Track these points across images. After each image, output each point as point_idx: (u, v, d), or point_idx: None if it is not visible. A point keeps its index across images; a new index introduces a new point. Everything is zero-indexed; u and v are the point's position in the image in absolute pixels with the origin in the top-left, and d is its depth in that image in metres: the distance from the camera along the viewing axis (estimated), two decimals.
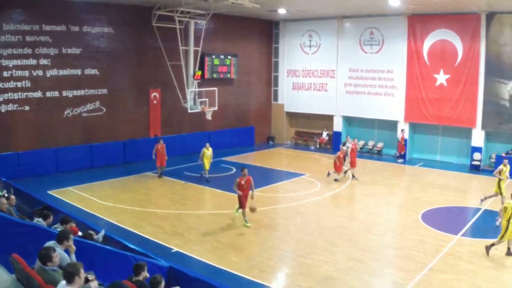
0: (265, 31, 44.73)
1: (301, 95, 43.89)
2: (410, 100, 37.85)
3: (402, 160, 37.28)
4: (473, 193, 29.65)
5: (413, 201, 26.53)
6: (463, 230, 21.62)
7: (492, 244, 18.44)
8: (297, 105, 44.26)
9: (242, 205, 21.61)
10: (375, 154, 40.18)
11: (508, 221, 17.93)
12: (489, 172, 33.65)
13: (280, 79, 45.32)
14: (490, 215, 23.76)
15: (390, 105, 38.68)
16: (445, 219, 23.83)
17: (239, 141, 41.23)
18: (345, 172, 31.38)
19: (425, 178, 31.69)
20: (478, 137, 35.54)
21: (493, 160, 35.14)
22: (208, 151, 29.30)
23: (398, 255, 18.87)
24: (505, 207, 18.22)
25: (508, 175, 24.47)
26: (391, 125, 39.20)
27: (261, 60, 44.77)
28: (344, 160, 31.22)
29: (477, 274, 16.86)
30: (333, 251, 18.74)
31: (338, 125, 42.08)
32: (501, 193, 23.49)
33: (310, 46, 42.99)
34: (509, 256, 18.12)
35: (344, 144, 32.32)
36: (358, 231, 21.08)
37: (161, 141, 30.07)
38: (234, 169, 32.02)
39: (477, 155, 35.08)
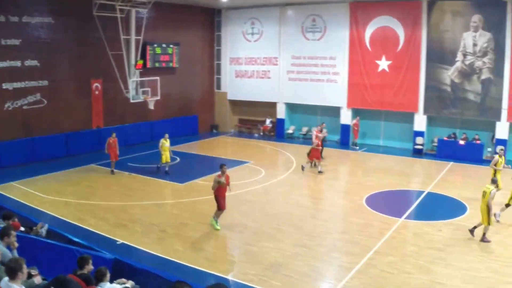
0: (208, 19, 44.31)
1: (244, 83, 43.72)
2: (352, 86, 38.16)
3: (358, 148, 37.36)
4: (416, 176, 30.13)
5: (357, 186, 26.80)
6: (407, 213, 21.94)
7: (475, 227, 18.93)
8: (240, 93, 44.05)
9: (221, 206, 19.61)
10: None
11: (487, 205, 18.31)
12: (431, 156, 34.31)
13: (222, 67, 45.01)
14: (433, 197, 24.26)
15: (333, 92, 38.92)
16: (389, 202, 24.14)
17: (182, 130, 40.70)
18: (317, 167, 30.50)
19: (368, 163, 32.02)
20: (420, 122, 36.22)
21: (435, 144, 36.00)
22: (166, 142, 28.37)
23: (344, 239, 18.93)
24: (484, 191, 18.62)
25: (506, 165, 24.27)
26: (334, 112, 39.44)
27: (204, 48, 44.37)
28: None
29: (421, 255, 17.14)
30: (279, 237, 18.70)
31: (281, 112, 42.11)
32: (497, 185, 23.00)
33: (252, 34, 42.81)
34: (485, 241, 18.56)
35: (321, 131, 32.09)
36: (303, 217, 21.09)
37: (114, 135, 29.00)
38: (178, 159, 31.66)
39: (419, 140, 35.67)
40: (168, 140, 28.39)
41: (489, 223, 18.41)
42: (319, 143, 29.66)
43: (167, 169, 28.55)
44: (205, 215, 20.96)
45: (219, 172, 19.40)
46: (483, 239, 18.47)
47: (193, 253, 17.16)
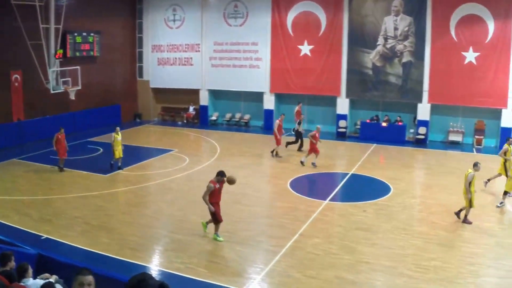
0: (129, 7, 43.27)
1: (166, 71, 43.00)
2: (275, 72, 38.22)
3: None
4: (340, 159, 30.39)
5: (281, 170, 26.80)
6: (332, 195, 22.07)
7: (460, 210, 19.10)
8: (162, 81, 43.29)
9: (218, 219, 17.09)
10: (242, 126, 40.22)
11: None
12: (354, 138, 34.70)
13: (144, 55, 44.12)
14: (357, 179, 24.51)
15: (256, 77, 38.89)
16: (313, 185, 24.35)
17: (105, 121, 39.58)
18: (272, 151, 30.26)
19: (293, 147, 31.94)
20: (343, 105, 36.68)
21: (358, 127, 36.54)
22: (118, 136, 26.70)
23: (269, 223, 18.90)
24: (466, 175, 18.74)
25: None
26: (257, 97, 39.41)
27: (125, 36, 43.40)
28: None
29: (346, 236, 17.35)
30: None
31: (204, 99, 41.72)
32: (506, 175, 22.52)
33: (174, 21, 42.17)
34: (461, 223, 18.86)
35: (299, 123, 31.75)
36: (228, 203, 20.71)
37: (62, 130, 27.31)
38: (101, 150, 30.87)
39: (342, 123, 36.07)
40: (119, 134, 26.87)
41: (470, 206, 18.67)
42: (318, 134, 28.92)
43: (120, 164, 27.04)
44: (129, 205, 20.65)
45: (215, 179, 17.06)
46: (465, 220, 18.70)
47: (118, 245, 16.68)
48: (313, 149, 27.61)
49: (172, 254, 16.00)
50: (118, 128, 27.04)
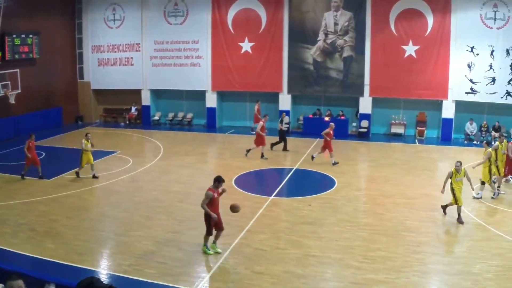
0: (68, 7, 42.24)
1: (107, 71, 42.13)
2: (216, 69, 38.03)
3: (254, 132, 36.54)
4: (283, 155, 30.23)
5: (225, 168, 26.57)
6: (277, 191, 22.13)
7: (446, 206, 19.07)
8: (104, 82, 42.37)
9: (219, 227, 15.81)
10: (185, 125, 39.88)
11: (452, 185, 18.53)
12: (297, 134, 34.86)
13: (85, 56, 43.11)
14: (301, 174, 24.67)
15: (197, 76, 38.59)
16: (258, 182, 24.36)
17: (46, 124, 38.67)
18: (248, 151, 29.21)
19: (236, 145, 31.87)
20: (285, 101, 36.89)
21: (301, 122, 36.98)
22: (88, 143, 25.20)
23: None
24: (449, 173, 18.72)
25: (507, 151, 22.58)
26: (200, 95, 39.15)
27: (65, 37, 42.32)
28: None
29: (293, 230, 17.42)
30: (149, 225, 18.19)
31: (146, 99, 41.20)
32: (498, 173, 22.26)
33: (114, 20, 41.47)
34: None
35: (281, 122, 31.13)
36: (172, 203, 20.64)
37: (33, 137, 25.47)
38: (44, 154, 30.07)
39: (286, 119, 35.87)
40: (89, 140, 25.35)
41: (456, 203, 18.59)
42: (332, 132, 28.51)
43: (94, 172, 25.30)
44: (73, 209, 20.09)
45: (212, 186, 15.77)
46: (458, 219, 18.48)
47: (65, 250, 16.17)
48: (327, 146, 27.54)
49: (119, 256, 15.67)
50: (89, 134, 25.75)
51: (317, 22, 35.55)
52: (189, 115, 40.37)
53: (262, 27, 36.60)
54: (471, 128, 34.82)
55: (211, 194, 15.39)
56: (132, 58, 40.95)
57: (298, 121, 37.62)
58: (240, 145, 31.50)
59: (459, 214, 18.38)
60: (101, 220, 19.29)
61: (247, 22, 36.88)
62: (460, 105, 34.62)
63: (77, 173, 25.26)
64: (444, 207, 19.15)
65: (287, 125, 33.55)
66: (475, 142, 34.17)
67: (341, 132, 34.28)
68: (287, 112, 36.18)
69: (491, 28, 33.66)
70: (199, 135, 35.51)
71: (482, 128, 34.60)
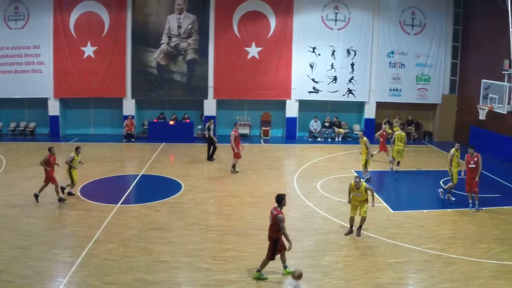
0: None
1: None
2: (58, 76, 36.65)
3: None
4: (129, 161, 30.30)
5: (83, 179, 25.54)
6: (123, 198, 22.04)
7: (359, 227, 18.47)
8: None
9: (282, 248, 14.84)
10: (28, 135, 38.05)
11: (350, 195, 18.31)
12: (143, 139, 34.85)
13: None
14: (148, 179, 25.07)
15: (39, 82, 36.83)
16: (104, 190, 23.97)
17: None
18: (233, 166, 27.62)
19: (81, 153, 30.85)
20: (129, 106, 36.54)
21: (146, 127, 36.92)
22: (78, 158, 23.05)
23: (63, 234, 18.20)
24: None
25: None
26: (42, 103, 37.53)
27: None
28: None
29: (142, 237, 17.53)
30: None
31: None
32: (452, 180, 22.72)
33: None
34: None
35: (208, 129, 29.98)
36: (17, 217, 19.75)
37: (53, 150, 22.92)
38: None
39: (131, 123, 35.53)
40: (79, 155, 23.20)
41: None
42: (385, 133, 29.19)
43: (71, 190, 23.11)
44: None
45: (279, 208, 14.64)
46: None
47: None
48: (383, 147, 29.02)
49: None
50: (80, 148, 23.65)
51: (161, 25, 35.60)
52: (32, 124, 38.49)
53: (105, 30, 35.89)
54: (315, 125, 36.23)
55: (283, 217, 14.33)
56: None
57: (143, 126, 37.44)
58: (85, 152, 30.67)
59: (360, 226, 18.25)
60: None
61: (90, 26, 35.91)
62: (304, 104, 35.92)
63: (69, 193, 22.69)
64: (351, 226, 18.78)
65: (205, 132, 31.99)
66: (319, 139, 35.56)
67: (187, 136, 35.00)
68: (132, 117, 35.98)
69: (332, 29, 35.44)
70: (43, 145, 33.92)
71: (326, 124, 35.94)
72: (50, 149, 22.43)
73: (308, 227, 18.87)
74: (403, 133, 28.07)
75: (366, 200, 17.84)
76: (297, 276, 12.15)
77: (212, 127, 29.93)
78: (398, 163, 27.77)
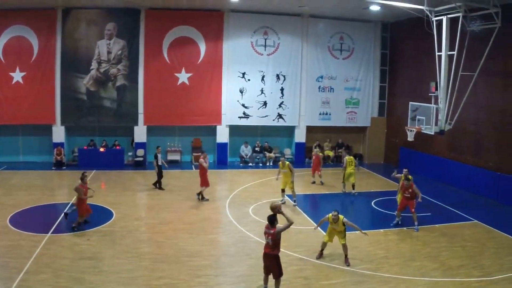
0: None
1: None
2: None
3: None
4: (59, 189, 29.64)
5: (1, 207, 25.08)
6: (54, 227, 21.46)
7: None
8: None
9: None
10: None
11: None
12: (73, 166, 34.06)
13: None
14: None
15: None
16: (35, 219, 23.21)
17: None
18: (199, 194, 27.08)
19: (9, 181, 30.25)
20: (58, 133, 35.64)
21: (76, 154, 36.12)
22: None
23: None
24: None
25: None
26: None
27: None
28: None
29: (73, 267, 17.01)
30: None
31: None
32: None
33: None
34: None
35: (155, 157, 28.97)
36: None
37: (87, 177, 22.38)
38: None
39: (60, 151, 34.83)
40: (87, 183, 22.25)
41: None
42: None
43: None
44: None
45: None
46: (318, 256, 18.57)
47: None
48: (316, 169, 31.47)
49: None
50: (86, 174, 22.88)
51: (90, 51, 35.10)
52: None
53: (34, 55, 34.89)
54: (246, 151, 36.41)
55: (281, 227, 14.67)
56: None
57: (73, 153, 36.64)
58: (14, 181, 30.11)
59: (346, 256, 18.07)
60: None
61: (19, 51, 34.79)
62: (234, 129, 36.10)
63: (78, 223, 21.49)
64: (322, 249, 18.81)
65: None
66: (250, 164, 35.75)
67: (118, 163, 34.71)
68: (62, 144, 35.29)
69: (262, 54, 35.87)
70: None
71: (256, 149, 36.19)
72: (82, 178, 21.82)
73: (241, 252, 18.91)
74: (352, 157, 29.05)
75: (345, 231, 18.04)
76: None
77: (159, 155, 29.23)
78: (353, 185, 28.43)
